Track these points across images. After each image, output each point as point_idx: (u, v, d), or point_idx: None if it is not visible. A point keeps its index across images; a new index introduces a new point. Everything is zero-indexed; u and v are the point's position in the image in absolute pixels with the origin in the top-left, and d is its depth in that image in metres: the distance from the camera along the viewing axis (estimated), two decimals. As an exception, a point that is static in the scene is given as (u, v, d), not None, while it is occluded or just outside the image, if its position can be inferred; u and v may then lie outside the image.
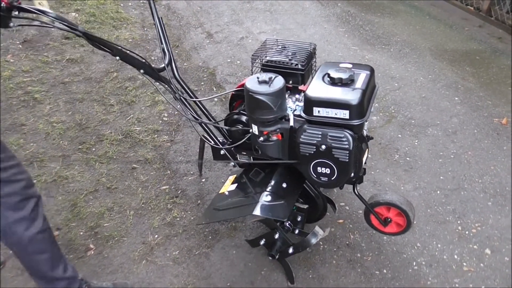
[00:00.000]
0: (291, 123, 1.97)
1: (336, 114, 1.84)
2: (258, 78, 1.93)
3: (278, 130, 2.02)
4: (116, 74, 4.25)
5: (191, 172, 3.13)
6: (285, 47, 2.19)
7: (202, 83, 4.17)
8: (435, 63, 4.24)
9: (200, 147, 2.85)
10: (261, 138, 2.03)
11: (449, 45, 4.54)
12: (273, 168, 2.31)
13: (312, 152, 1.92)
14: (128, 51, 2.10)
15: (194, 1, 5.85)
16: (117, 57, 2.05)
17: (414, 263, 2.43)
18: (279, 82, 1.93)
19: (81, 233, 2.74)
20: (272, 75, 1.96)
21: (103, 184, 3.08)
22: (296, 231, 2.34)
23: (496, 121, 3.45)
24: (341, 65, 2.02)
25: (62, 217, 2.84)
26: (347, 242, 2.56)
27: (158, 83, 2.31)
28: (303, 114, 1.94)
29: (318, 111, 1.87)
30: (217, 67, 4.38)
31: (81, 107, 3.83)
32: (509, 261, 2.43)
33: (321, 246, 2.54)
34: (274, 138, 2.04)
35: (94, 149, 3.39)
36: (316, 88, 1.91)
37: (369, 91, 1.92)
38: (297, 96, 2.17)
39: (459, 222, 2.65)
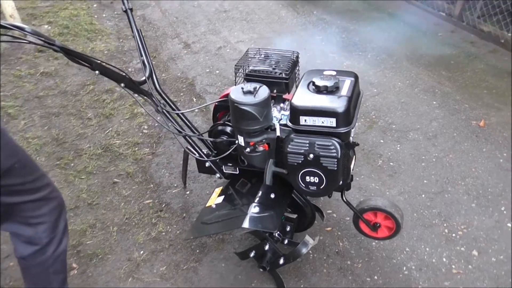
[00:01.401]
0: (278, 133, 1.95)
1: (323, 122, 1.83)
2: (242, 88, 1.91)
3: (264, 140, 2.00)
4: (92, 86, 4.18)
5: (175, 185, 3.08)
6: (268, 56, 2.18)
7: (182, 93, 4.13)
8: (411, 68, 4.30)
9: (183, 159, 2.80)
10: (248, 149, 2.01)
11: (424, 50, 4.61)
12: (259, 179, 2.28)
13: (300, 161, 1.90)
14: (107, 65, 2.05)
15: (170, 11, 5.81)
16: (97, 71, 2.00)
17: (404, 268, 2.43)
18: (264, 92, 1.91)
19: (63, 252, 2.65)
20: (257, 85, 1.94)
21: (84, 200, 3.00)
22: (286, 241, 2.31)
23: (474, 123, 3.50)
24: (325, 72, 2.01)
25: (42, 236, 2.74)
26: (337, 250, 2.55)
27: (138, 96, 2.27)
28: (289, 123, 1.92)
29: (305, 120, 1.85)
30: (196, 77, 4.35)
31: (58, 122, 3.74)
32: (496, 262, 2.45)
33: (311, 255, 2.52)
34: (261, 148, 2.01)
35: (72, 164, 3.31)
36: (302, 96, 1.90)
37: (354, 98, 1.92)
38: (281, 105, 2.15)
39: (445, 225, 2.67)
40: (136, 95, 2.26)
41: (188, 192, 3.01)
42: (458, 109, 3.68)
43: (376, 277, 2.40)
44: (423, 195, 2.87)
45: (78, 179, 3.18)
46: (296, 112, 1.87)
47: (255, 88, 1.90)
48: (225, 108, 2.40)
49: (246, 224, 1.99)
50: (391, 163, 3.14)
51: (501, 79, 4.05)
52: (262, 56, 2.19)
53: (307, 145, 1.87)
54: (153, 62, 4.58)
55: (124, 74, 2.13)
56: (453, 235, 2.61)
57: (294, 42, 4.86)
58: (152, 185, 3.10)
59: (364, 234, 2.33)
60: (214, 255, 2.56)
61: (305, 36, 5.01)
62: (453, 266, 2.43)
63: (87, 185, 3.13)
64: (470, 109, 3.68)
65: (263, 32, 5.16)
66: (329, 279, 2.40)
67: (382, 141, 3.35)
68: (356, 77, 2.00)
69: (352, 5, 5.80)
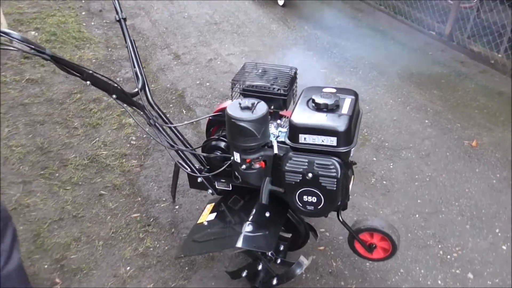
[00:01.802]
0: (275, 151, 1.89)
1: (323, 141, 1.78)
2: (240, 104, 1.85)
3: (261, 157, 1.94)
4: (79, 95, 4.08)
5: (163, 199, 2.99)
6: (265, 71, 2.13)
7: (171, 105, 4.06)
8: (403, 86, 4.30)
9: (174, 172, 2.72)
10: (243, 166, 1.94)
11: (415, 68, 4.62)
12: (253, 196, 2.22)
13: (298, 180, 1.85)
14: (99, 75, 1.98)
15: (160, 22, 5.75)
16: (88, 82, 1.93)
17: (399, 291, 2.39)
18: (262, 108, 1.86)
19: (46, 266, 2.55)
20: (255, 100, 1.89)
21: (69, 212, 2.90)
22: (279, 261, 2.24)
23: (466, 143, 3.50)
24: (324, 89, 1.97)
25: (23, 249, 2.63)
26: (330, 270, 2.49)
27: (129, 107, 2.19)
28: (287, 141, 1.87)
29: (304, 138, 1.80)
30: (186, 89, 4.28)
31: (43, 130, 3.63)
32: (492, 285, 2.41)
33: (304, 275, 2.45)
34: (257, 166, 1.95)
35: (57, 174, 3.20)
36: (301, 114, 1.85)
37: (355, 116, 1.88)
38: (278, 121, 2.10)
39: (440, 246, 2.63)
40: (127, 106, 2.18)
41: (177, 207, 2.92)
42: (450, 128, 3.68)
43: (370, 300, 2.34)
44: (417, 215, 2.84)
45: (63, 190, 3.08)
46: (295, 130, 1.81)
47: (253, 104, 1.85)
48: (218, 122, 2.34)
49: (239, 243, 1.92)
50: (384, 182, 3.10)
51: (492, 99, 4.07)
52: (260, 71, 2.14)
53: (306, 164, 1.81)
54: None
55: (116, 85, 2.06)
56: (448, 256, 2.57)
57: (285, 57, 4.83)
58: (140, 199, 3.01)
59: (358, 254, 2.28)
60: (204, 273, 2.48)
61: (296, 50, 4.99)
62: (448, 290, 2.39)
63: (72, 196, 3.02)
64: (462, 128, 3.68)
65: (254, 46, 5.13)
66: (322, 300, 2.34)
67: (375, 159, 3.32)
68: (356, 96, 1.96)
69: (343, 21, 5.82)
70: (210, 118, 2.34)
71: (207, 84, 4.36)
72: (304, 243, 2.39)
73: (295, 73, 2.14)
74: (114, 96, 2.06)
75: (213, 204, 2.35)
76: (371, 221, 2.19)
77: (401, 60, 4.76)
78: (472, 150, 3.43)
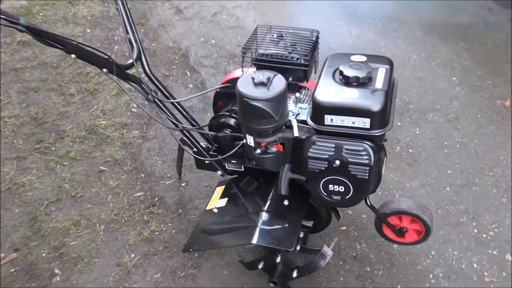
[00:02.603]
0: (296, 133, 1.60)
1: (353, 123, 1.49)
2: (253, 78, 1.55)
3: (278, 140, 1.66)
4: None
5: (169, 175, 2.75)
6: (281, 36, 1.80)
7: (174, 66, 3.73)
8: (426, 38, 3.92)
9: (178, 151, 2.46)
10: (258, 150, 1.67)
11: (439, 19, 4.21)
12: (268, 178, 1.96)
13: (323, 168, 1.57)
14: (86, 47, 1.68)
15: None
16: (73, 55, 1.65)
17: (431, 276, 2.16)
18: (279, 83, 1.56)
19: (44, 254, 2.36)
20: (270, 73, 1.58)
21: (67, 191, 2.68)
22: (298, 247, 2.00)
23: (499, 103, 3.18)
24: (353, 57, 1.65)
25: (20, 234, 2.45)
26: (354, 254, 2.27)
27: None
28: (310, 122, 1.58)
29: (331, 120, 1.51)
30: (190, 47, 3.93)
31: (37, 98, 3.36)
32: (533, 269, 2.19)
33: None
34: (274, 149, 1.68)
35: (54, 148, 2.97)
36: (327, 90, 1.54)
37: (391, 91, 1.57)
38: (297, 94, 1.79)
39: (474, 224, 2.39)
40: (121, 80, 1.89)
41: (183, 184, 2.68)
42: (480, 86, 3.34)
43: (399, 287, 2.13)
44: (447, 188, 2.58)
45: (60, 166, 2.84)
46: (320, 110, 1.52)
47: (268, 79, 1.55)
48: (227, 95, 2.04)
49: (255, 239, 1.70)
50: (410, 150, 2.82)
51: (526, 52, 3.70)
52: (275, 36, 1.81)
53: (333, 149, 1.53)
54: (141, 30, 4.17)
55: (107, 56, 1.76)
56: (484, 235, 2.33)
57: (296, 8, 4.43)
58: (143, 175, 2.77)
59: (390, 240, 2.04)
60: (216, 260, 2.27)
61: (308, 1, 4.56)
62: (486, 273, 2.17)
63: (70, 173, 2.79)
64: (493, 86, 3.34)
65: (263, -3, 4.70)
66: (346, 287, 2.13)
67: (399, 123, 3.02)
68: (391, 64, 1.65)
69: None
70: (218, 90, 2.03)
71: (213, 41, 4.00)
72: (326, 226, 2.16)
73: (317, 37, 1.81)
74: (105, 70, 1.78)
75: (223, 186, 2.11)
76: (397, 203, 1.94)
77: (423, 10, 4.34)
78: (505, 110, 3.11)
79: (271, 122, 1.56)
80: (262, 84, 1.54)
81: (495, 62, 3.60)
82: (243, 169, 2.07)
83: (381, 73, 1.59)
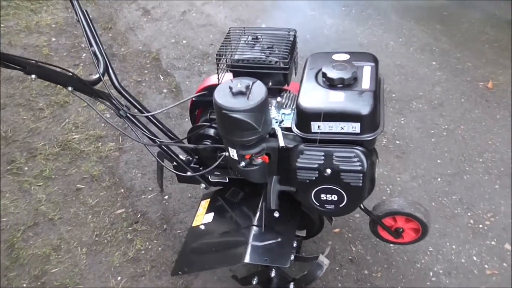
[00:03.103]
0: (281, 143, 1.49)
1: (342, 128, 1.39)
2: (231, 88, 1.43)
3: (263, 151, 1.55)
4: (41, 70, 3.56)
5: (150, 188, 2.62)
6: (257, 39, 1.68)
7: (146, 71, 3.58)
8: (402, 23, 3.84)
9: (158, 163, 2.33)
10: (242, 163, 1.55)
11: (412, 1, 4.12)
12: (255, 187, 1.85)
13: (314, 178, 1.47)
14: (47, 65, 1.54)
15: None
16: (33, 76, 1.50)
17: (431, 273, 2.09)
18: (259, 90, 1.45)
19: (25, 285, 2.22)
20: (248, 81, 1.47)
21: (44, 214, 2.53)
22: (292, 257, 1.91)
23: (481, 85, 3.12)
24: (335, 57, 1.55)
25: (-3, 264, 2.29)
26: (350, 257, 2.18)
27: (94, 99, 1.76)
28: (296, 130, 1.47)
29: (318, 127, 1.41)
30: (161, 49, 3.78)
31: (4, 115, 3.18)
32: (533, 256, 2.14)
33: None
34: (259, 161, 1.57)
35: (26, 168, 2.80)
36: (311, 95, 1.44)
37: (378, 91, 1.47)
38: (278, 99, 1.68)
39: (469, 214, 2.32)
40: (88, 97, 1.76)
41: (166, 197, 2.56)
42: (461, 69, 3.28)
43: (400, 288, 2.05)
44: (439, 179, 2.51)
45: (34, 186, 2.69)
46: (305, 117, 1.41)
47: (247, 87, 1.43)
48: (204, 104, 1.92)
49: (247, 257, 1.59)
50: (397, 141, 2.74)
51: (502, 30, 3.65)
52: (250, 38, 1.68)
53: (323, 157, 1.43)
54: (109, 34, 3.99)
55: (70, 73, 1.62)
56: (480, 226, 2.27)
57: (268, 1, 4.29)
58: (123, 190, 2.63)
59: (388, 241, 1.96)
60: (207, 276, 2.15)
61: (279, -8, 4.44)
62: (486, 266, 2.10)
63: (46, 194, 2.64)
64: (474, 68, 3.28)
65: (230, -9, 4.55)
66: (345, 295, 2.04)
67: (383, 114, 2.93)
68: (376, 61, 1.55)
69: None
70: (194, 99, 1.91)
71: (184, 41, 3.85)
72: (319, 231, 2.06)
73: (295, 36, 1.70)
74: (70, 88, 1.63)
75: (208, 200, 1.99)
76: (388, 204, 1.86)
77: (396, -7, 4.26)
78: (488, 92, 3.06)
79: (254, 134, 1.45)
80: (241, 93, 1.42)
81: (474, 43, 3.54)
82: (227, 180, 1.96)
83: (366, 72, 1.49)
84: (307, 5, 4.18)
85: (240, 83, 1.44)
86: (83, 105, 3.26)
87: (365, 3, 4.13)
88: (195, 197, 2.52)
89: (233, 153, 1.54)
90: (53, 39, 3.96)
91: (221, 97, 1.43)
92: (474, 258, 2.14)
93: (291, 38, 1.67)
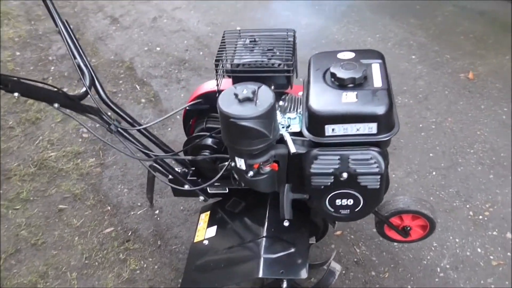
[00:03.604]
0: (292, 149, 1.41)
1: (358, 130, 1.33)
2: (236, 94, 1.35)
3: (272, 159, 1.47)
4: (8, 87, 3.36)
5: (138, 204, 2.49)
6: (255, 41, 1.60)
7: (121, 81, 3.44)
8: (377, 19, 3.84)
9: (148, 178, 2.22)
10: (251, 173, 1.47)
11: (384, -4, 4.15)
12: (258, 197, 1.77)
13: (329, 183, 1.40)
14: (30, 82, 1.42)
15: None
16: (16, 94, 1.37)
17: (438, 269, 2.06)
18: (267, 95, 1.37)
19: (12, 320, 2.06)
20: (253, 86, 1.39)
21: (25, 239, 2.38)
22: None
23: (462, 76, 3.14)
24: (340, 55, 1.49)
25: (-21, 299, 2.12)
26: (355, 259, 2.13)
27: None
28: (308, 134, 1.40)
29: (333, 129, 1.34)
30: (134, 58, 3.65)
31: (-28, 138, 2.98)
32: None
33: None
34: (268, 169, 1.48)
35: (1, 191, 2.61)
36: (323, 97, 1.37)
37: (391, 89, 1.42)
38: (281, 103, 1.60)
39: (468, 206, 2.31)
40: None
41: (157, 212, 2.44)
42: (440, 61, 3.30)
43: (409, 287, 2.01)
44: (433, 173, 2.49)
45: (12, 210, 2.53)
46: (318, 121, 1.34)
47: (254, 92, 1.35)
48: (198, 112, 1.83)
49: (261, 271, 1.50)
50: (388, 138, 2.71)
51: (475, 22, 3.70)
52: (247, 41, 1.60)
53: (338, 161, 1.37)
54: (78, 46, 3.80)
55: (56, 89, 1.50)
56: (480, 217, 2.26)
57: (239, 3, 4.21)
58: (109, 208, 2.50)
59: (396, 241, 1.92)
60: (210, 293, 2.05)
61: (250, -7, 4.37)
62: (491, 257, 2.09)
63: (25, 217, 2.48)
64: (453, 60, 3.31)
65: (200, -6, 4.45)
66: (355, 299, 1.99)
67: (370, 112, 2.91)
68: (383, 58, 1.50)
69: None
70: (187, 108, 1.81)
71: (158, 49, 3.73)
72: (323, 236, 1.99)
73: (294, 37, 1.63)
74: (56, 105, 1.51)
75: (208, 212, 1.89)
76: (394, 204, 1.80)
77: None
78: (470, 83, 3.08)
79: (265, 141, 1.37)
80: (248, 99, 1.34)
81: (449, 35, 3.57)
82: (227, 191, 1.87)
83: (375, 69, 1.43)
84: (280, 6, 4.14)
85: (246, 89, 1.36)
86: (56, 120, 3.10)
87: (338, 2, 4.11)
88: (187, 210, 2.42)
89: (240, 163, 1.45)
90: (18, 53, 3.77)
91: (227, 105, 1.34)
92: (479, 250, 2.13)
93: (291, 39, 1.60)
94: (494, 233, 2.19)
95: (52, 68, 3.60)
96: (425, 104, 2.94)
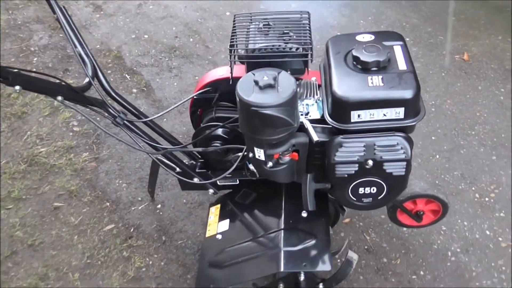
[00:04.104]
0: (314, 137, 1.35)
1: (385, 115, 1.28)
2: (256, 82, 1.28)
3: (291, 148, 1.41)
4: (-11, 80, 3.21)
5: (139, 199, 2.41)
6: (269, 25, 1.53)
7: (109, 71, 3.30)
8: (368, 2, 3.79)
9: (151, 171, 2.14)
10: (270, 163, 1.41)
11: (373, -23, 4.09)
12: (271, 187, 1.72)
13: (353, 172, 1.36)
14: (31, 73, 1.33)
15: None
16: (17, 87, 1.28)
17: (449, 253, 2.06)
18: (288, 81, 1.31)
19: (14, 324, 1.97)
20: (273, 71, 1.32)
21: (21, 240, 2.27)
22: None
23: (457, 58, 3.13)
24: (359, 38, 1.44)
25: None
26: (366, 247, 2.10)
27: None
28: (332, 121, 1.35)
29: (358, 115, 1.29)
30: (122, 47, 3.51)
31: (-44, 136, 2.83)
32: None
33: (338, 261, 2.03)
34: (287, 159, 1.43)
35: (-9, 191, 2.50)
36: (347, 82, 1.31)
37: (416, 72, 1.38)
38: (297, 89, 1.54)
39: (473, 188, 2.31)
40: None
41: (159, 206, 2.36)
42: (434, 43, 3.28)
43: (422, 273, 2.01)
44: (437, 156, 2.48)
45: (4, 210, 2.41)
46: (344, 107, 1.29)
47: (274, 78, 1.29)
48: (206, 102, 1.75)
49: (283, 265, 1.45)
50: (389, 122, 2.69)
51: (465, 3, 3.68)
52: (261, 25, 1.53)
53: (363, 149, 1.32)
54: (61, 35, 3.65)
55: (59, 81, 1.41)
56: (486, 199, 2.26)
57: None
58: (108, 204, 2.40)
59: (408, 226, 1.89)
60: None
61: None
62: (500, 239, 2.10)
63: (19, 217, 2.37)
64: (447, 41, 3.28)
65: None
66: (370, 286, 1.96)
67: (369, 96, 2.87)
68: (403, 40, 1.45)
69: None
70: (194, 97, 1.73)
71: (145, 36, 3.60)
72: (335, 223, 1.96)
73: (309, 19, 1.56)
74: (59, 98, 1.42)
75: (218, 205, 1.83)
76: (410, 188, 1.77)
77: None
78: (466, 65, 3.07)
79: (288, 130, 1.31)
80: (269, 86, 1.27)
81: (441, 17, 3.55)
82: (238, 182, 1.81)
83: (398, 51, 1.38)
84: (268, -12, 4.04)
85: (266, 75, 1.29)
86: (44, 113, 2.96)
87: (326, -17, 4.04)
88: (191, 203, 2.35)
89: (259, 153, 1.39)
90: (-4, 44, 3.59)
91: (248, 93, 1.27)
92: (487, 232, 2.13)
93: (306, 21, 1.53)
94: (502, 214, 2.19)
95: (35, 59, 3.44)
96: (423, 87, 2.88)
